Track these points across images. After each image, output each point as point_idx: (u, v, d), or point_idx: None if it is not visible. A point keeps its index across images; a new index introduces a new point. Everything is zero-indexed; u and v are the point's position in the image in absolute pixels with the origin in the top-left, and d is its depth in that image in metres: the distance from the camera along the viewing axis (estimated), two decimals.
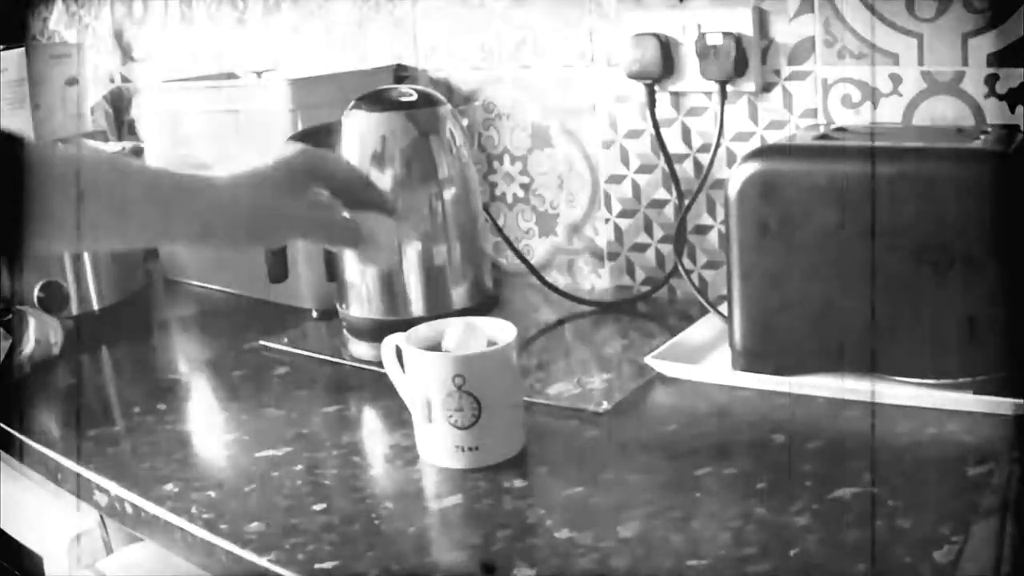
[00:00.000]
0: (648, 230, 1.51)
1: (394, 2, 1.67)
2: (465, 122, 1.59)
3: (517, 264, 1.53)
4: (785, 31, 1.33)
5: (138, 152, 1.74)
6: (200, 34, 1.94)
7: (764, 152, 1.16)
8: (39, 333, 1.37)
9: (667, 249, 1.49)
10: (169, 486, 1.02)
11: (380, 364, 1.09)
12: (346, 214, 1.03)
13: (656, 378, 1.20)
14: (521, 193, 1.62)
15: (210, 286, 1.70)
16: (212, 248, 1.03)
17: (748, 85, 1.36)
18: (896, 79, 1.27)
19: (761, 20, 1.34)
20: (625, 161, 1.51)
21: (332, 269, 1.35)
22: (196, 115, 1.62)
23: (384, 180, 1.26)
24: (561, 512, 0.93)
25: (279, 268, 1.31)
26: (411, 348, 1.03)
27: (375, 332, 1.25)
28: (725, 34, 1.34)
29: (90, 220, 0.93)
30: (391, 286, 1.29)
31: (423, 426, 1.03)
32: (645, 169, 1.49)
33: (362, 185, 1.06)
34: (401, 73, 1.68)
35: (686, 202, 1.43)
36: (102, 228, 0.94)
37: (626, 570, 0.83)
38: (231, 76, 1.78)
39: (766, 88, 1.37)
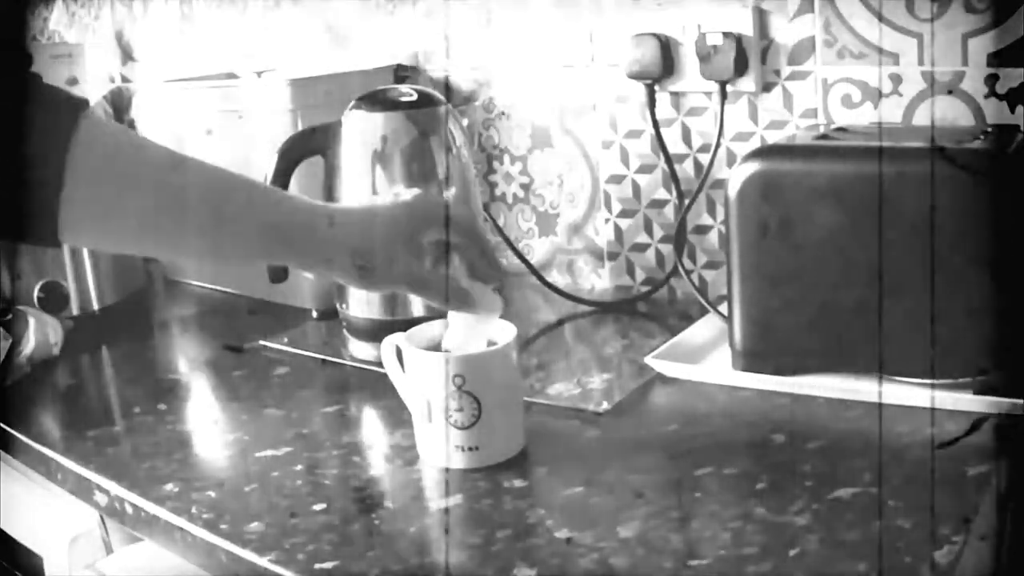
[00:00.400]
0: (648, 230, 1.51)
1: (394, 2, 1.67)
2: (465, 122, 1.59)
3: (517, 264, 1.53)
4: (785, 31, 1.33)
5: None
6: (200, 34, 1.94)
7: (764, 152, 1.16)
8: (39, 333, 1.37)
9: (667, 249, 1.49)
10: (169, 486, 1.02)
11: (380, 364, 1.09)
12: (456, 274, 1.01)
13: (656, 378, 1.20)
14: (521, 193, 1.62)
15: (210, 286, 1.70)
16: (321, 277, 1.00)
17: (748, 85, 1.36)
18: (896, 79, 1.27)
19: (761, 20, 1.35)
20: (625, 161, 1.51)
21: None
22: (196, 115, 1.62)
23: (384, 181, 1.26)
24: (561, 512, 0.93)
25: (279, 268, 1.31)
26: (411, 348, 1.03)
27: (375, 332, 1.24)
28: (725, 34, 1.34)
29: (188, 235, 0.91)
30: None
31: (423, 426, 1.03)
32: (645, 169, 1.49)
33: (477, 240, 1.03)
34: (401, 73, 1.68)
35: (686, 202, 1.43)
36: (199, 245, 0.94)
37: (626, 570, 0.83)
38: (231, 76, 1.78)
39: (766, 88, 1.37)
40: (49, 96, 0.85)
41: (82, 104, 0.86)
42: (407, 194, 1.00)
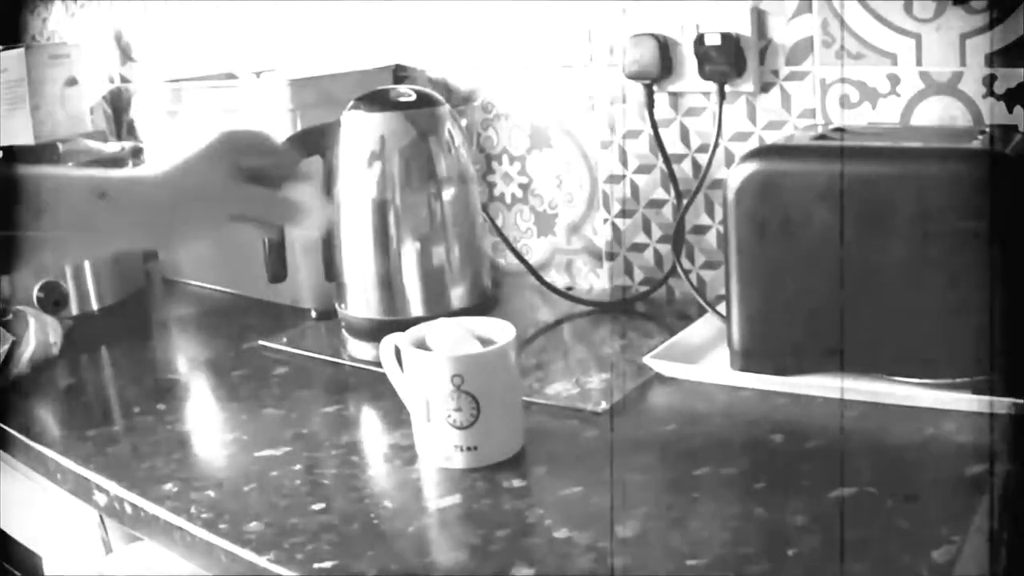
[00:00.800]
0: (647, 230, 1.51)
1: (393, 2, 1.67)
2: (464, 122, 1.59)
3: (516, 264, 1.53)
4: (783, 31, 1.33)
5: (137, 152, 1.74)
6: (199, 34, 1.94)
7: (762, 152, 1.16)
8: (38, 333, 1.37)
9: (665, 249, 1.49)
10: (168, 486, 1.03)
11: (379, 364, 1.09)
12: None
13: (655, 378, 1.20)
14: (520, 193, 1.62)
15: (209, 286, 1.70)
16: (162, 246, 1.04)
17: (746, 85, 1.36)
18: (894, 79, 1.27)
19: (759, 20, 1.35)
20: (624, 161, 1.51)
21: (331, 269, 1.35)
22: (196, 115, 1.62)
23: (383, 181, 1.26)
24: (560, 512, 0.93)
25: (278, 268, 1.31)
26: (410, 348, 1.03)
27: (374, 332, 1.25)
28: (723, 34, 1.34)
29: (56, 237, 0.94)
30: (390, 286, 1.29)
31: (422, 426, 1.04)
32: (644, 169, 1.50)
33: (277, 151, 1.07)
34: (400, 73, 1.68)
35: (684, 202, 1.43)
36: (71, 245, 0.97)
37: (625, 570, 0.83)
38: (230, 76, 1.78)
39: (764, 88, 1.37)
40: None
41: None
42: (211, 134, 1.03)
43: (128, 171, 1.00)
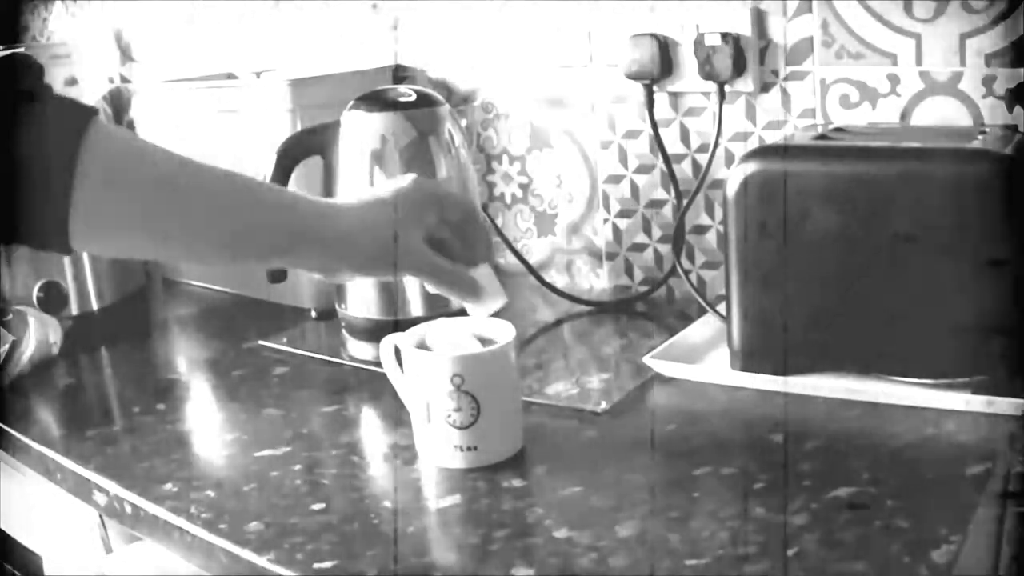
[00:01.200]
0: (646, 230, 1.51)
1: (393, 2, 1.67)
2: (464, 122, 1.60)
3: (516, 264, 1.53)
4: (783, 31, 1.33)
5: None
6: (199, 34, 1.94)
7: (762, 152, 1.16)
8: (38, 333, 1.37)
9: (665, 249, 1.49)
10: (168, 486, 1.03)
11: (379, 364, 1.09)
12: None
13: (655, 378, 1.20)
14: (520, 193, 1.62)
15: (209, 286, 1.70)
16: (327, 276, 1.01)
17: (746, 85, 1.36)
18: (894, 79, 1.27)
19: (759, 20, 1.35)
20: (623, 161, 1.51)
21: None
22: (196, 115, 1.62)
23: (383, 180, 1.26)
24: (560, 512, 0.93)
25: (278, 268, 1.31)
26: (410, 348, 1.03)
27: (374, 332, 1.25)
28: (723, 34, 1.34)
29: (202, 239, 0.91)
30: (390, 286, 1.29)
31: (422, 426, 1.04)
32: (643, 169, 1.50)
33: (474, 222, 1.04)
34: (400, 73, 1.68)
35: (684, 202, 1.43)
36: (215, 249, 0.93)
37: (625, 569, 0.83)
38: (231, 76, 1.78)
39: (764, 88, 1.37)
40: (58, 104, 0.85)
41: (91, 111, 0.86)
42: (403, 180, 1.00)
43: (314, 198, 0.97)
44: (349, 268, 0.98)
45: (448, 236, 1.02)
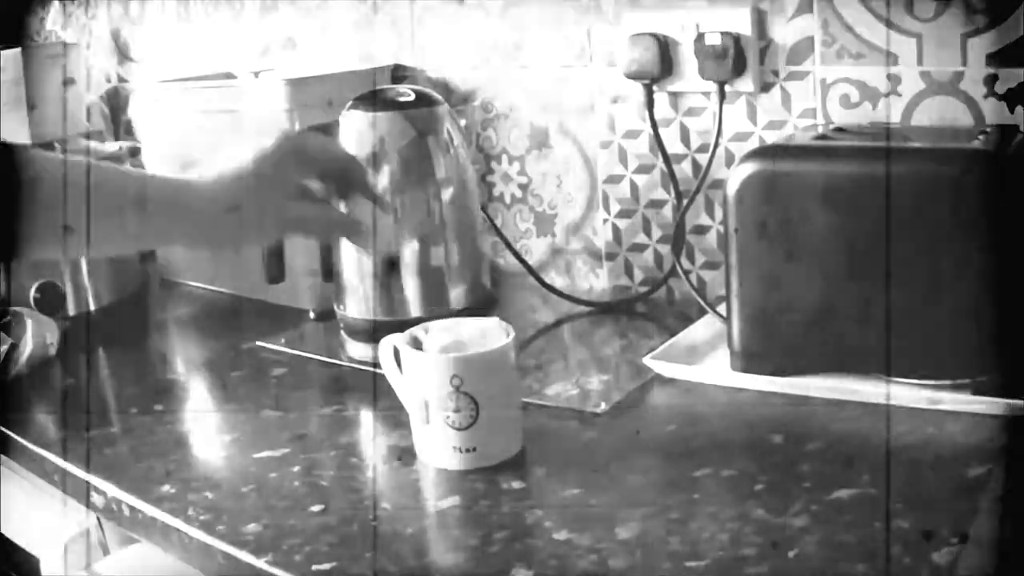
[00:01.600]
0: (646, 230, 1.51)
1: (392, 2, 1.67)
2: (463, 122, 1.59)
3: (515, 264, 1.53)
4: (783, 31, 1.33)
5: (135, 152, 1.74)
6: (197, 34, 1.94)
7: (763, 152, 1.15)
8: (36, 334, 1.37)
9: (665, 249, 1.49)
10: (166, 487, 1.02)
11: (378, 365, 1.08)
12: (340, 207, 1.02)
13: (654, 379, 1.20)
14: (519, 193, 1.62)
15: (207, 287, 1.70)
16: (208, 250, 1.02)
17: (746, 85, 1.36)
18: (895, 79, 1.27)
19: (760, 20, 1.34)
20: (623, 161, 1.51)
21: (329, 270, 1.34)
22: (193, 115, 1.62)
23: (382, 180, 1.26)
24: (559, 513, 0.92)
25: (276, 269, 1.31)
26: (408, 349, 1.03)
27: (372, 333, 1.24)
28: (723, 34, 1.34)
29: (80, 227, 0.93)
30: (389, 287, 1.28)
31: (421, 427, 1.03)
32: (643, 169, 1.49)
33: (348, 167, 1.05)
34: (399, 73, 1.68)
35: (684, 202, 1.43)
36: (93, 234, 0.94)
37: (624, 571, 0.83)
38: (228, 76, 1.77)
39: (764, 88, 1.36)
40: None
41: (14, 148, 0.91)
42: (267, 141, 1.00)
43: (176, 176, 0.98)
44: (213, 241, 1.00)
45: (325, 185, 1.03)
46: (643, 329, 1.42)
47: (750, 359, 1.16)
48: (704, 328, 1.30)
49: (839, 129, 1.21)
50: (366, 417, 1.19)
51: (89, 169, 0.96)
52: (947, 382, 1.06)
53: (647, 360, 1.21)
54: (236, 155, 0.99)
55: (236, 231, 0.98)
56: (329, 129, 1.30)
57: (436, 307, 1.27)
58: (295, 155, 1.00)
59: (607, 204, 1.54)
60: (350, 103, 1.30)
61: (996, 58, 1.20)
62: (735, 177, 1.12)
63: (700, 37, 1.36)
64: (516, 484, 0.98)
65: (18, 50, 1.55)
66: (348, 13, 1.72)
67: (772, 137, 1.35)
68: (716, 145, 1.38)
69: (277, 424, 1.16)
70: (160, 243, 1.03)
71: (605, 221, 1.54)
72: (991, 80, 1.21)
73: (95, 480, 1.06)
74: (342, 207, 1.03)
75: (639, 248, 1.52)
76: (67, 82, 1.62)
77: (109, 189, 0.95)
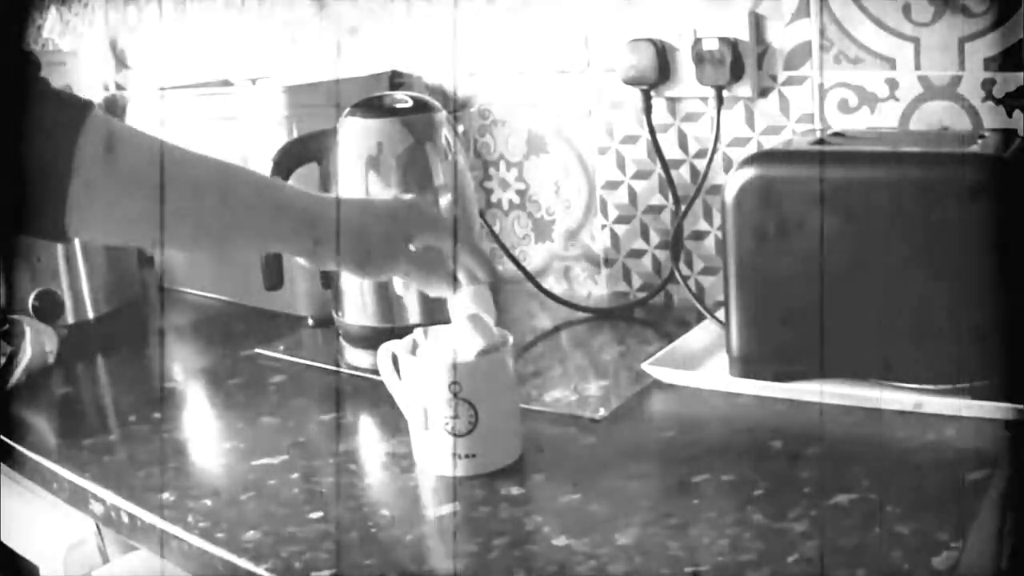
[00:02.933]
0: (645, 236, 1.51)
1: (389, 8, 1.67)
2: (460, 128, 1.59)
3: (513, 271, 1.53)
4: (781, 36, 1.33)
5: None
6: (195, 41, 1.94)
7: (761, 157, 1.15)
8: (34, 342, 1.37)
9: (664, 255, 1.49)
10: (165, 494, 1.02)
11: (376, 372, 1.08)
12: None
13: (653, 385, 1.20)
14: (517, 199, 1.62)
15: (205, 294, 1.70)
16: (320, 265, 1.04)
17: (744, 90, 1.36)
18: (893, 84, 1.27)
19: (757, 25, 1.34)
20: (621, 167, 1.51)
21: (327, 277, 1.34)
22: (191, 123, 1.62)
23: (380, 187, 1.26)
24: (558, 519, 0.92)
25: (274, 276, 1.31)
26: (407, 355, 1.03)
27: (371, 340, 1.24)
28: (721, 39, 1.34)
29: (194, 222, 0.94)
30: (387, 294, 1.28)
31: (420, 433, 1.03)
32: (641, 175, 1.49)
33: (441, 233, 1.06)
34: (396, 79, 1.68)
35: (683, 208, 1.43)
36: (207, 232, 0.96)
37: None
38: (226, 83, 1.77)
39: (762, 93, 1.36)
40: (57, 96, 0.88)
41: (88, 104, 0.89)
42: (404, 197, 1.03)
43: (314, 192, 1.01)
44: (332, 256, 1.00)
45: (432, 256, 1.04)
46: (642, 335, 1.42)
47: (749, 364, 1.15)
48: (703, 333, 1.30)
49: (837, 134, 1.21)
50: (365, 424, 1.19)
51: (200, 161, 0.96)
52: (946, 387, 1.06)
53: (646, 366, 1.21)
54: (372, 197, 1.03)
55: (367, 259, 1.01)
56: (326, 136, 1.30)
57: (434, 313, 1.27)
58: (424, 218, 1.05)
59: (605, 210, 1.54)
60: (348, 110, 1.30)
61: (994, 62, 1.20)
62: (733, 182, 1.12)
63: (698, 42, 1.36)
64: (515, 490, 0.98)
65: None
66: (345, 19, 1.72)
67: (770, 142, 1.36)
68: (714, 150, 1.39)
69: (276, 431, 1.16)
70: (292, 252, 1.04)
71: (603, 227, 1.54)
72: (989, 84, 1.21)
73: (94, 487, 1.06)
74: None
75: (637, 254, 1.52)
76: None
77: (252, 190, 0.98)
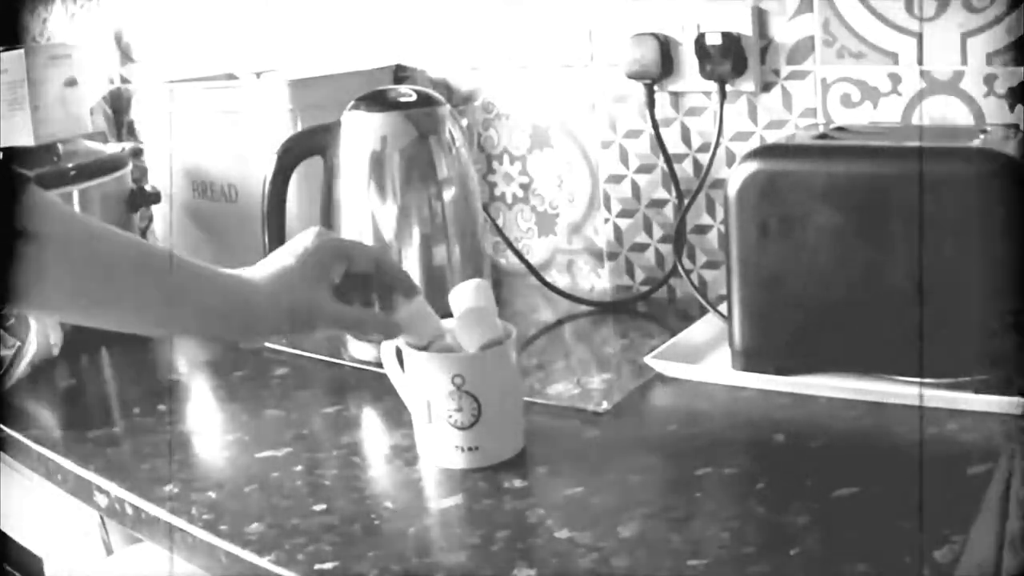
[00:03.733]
0: (648, 230, 1.51)
1: (394, 2, 1.67)
2: (464, 122, 1.59)
3: (517, 264, 1.53)
4: (784, 31, 1.33)
5: (138, 153, 1.74)
6: (199, 35, 1.94)
7: (763, 152, 1.15)
8: (39, 335, 1.37)
9: (667, 249, 1.49)
10: (169, 487, 1.02)
11: (380, 364, 1.09)
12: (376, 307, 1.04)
13: (656, 378, 1.20)
14: (520, 193, 1.62)
15: None
16: (242, 342, 1.03)
17: (747, 85, 1.36)
18: (895, 78, 1.27)
19: (760, 20, 1.35)
20: (624, 161, 1.51)
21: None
22: (196, 116, 1.62)
23: (384, 181, 1.26)
24: (561, 512, 0.92)
25: None
26: (410, 348, 1.03)
27: None
28: (724, 34, 1.34)
29: (104, 301, 0.92)
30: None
31: (423, 426, 1.03)
32: (644, 169, 1.49)
33: (380, 257, 1.06)
34: (400, 73, 1.68)
35: (685, 202, 1.43)
36: (118, 312, 0.94)
37: (626, 570, 0.83)
38: (231, 77, 1.78)
39: (765, 88, 1.37)
40: None
41: (25, 178, 0.88)
42: (305, 239, 1.01)
43: (227, 271, 0.99)
44: (263, 336, 1.03)
45: (358, 285, 1.03)
46: (644, 328, 1.43)
47: (751, 358, 1.16)
48: (705, 327, 1.30)
49: (840, 128, 1.21)
50: (368, 416, 1.19)
51: (116, 239, 0.95)
52: (948, 380, 1.06)
53: (648, 359, 1.21)
54: (276, 255, 1.00)
55: (277, 328, 0.99)
56: (330, 129, 1.30)
57: (437, 307, 1.27)
58: (333, 252, 1.01)
59: (608, 204, 1.54)
60: (352, 103, 1.30)
61: (996, 57, 1.20)
62: (736, 176, 1.13)
63: (701, 37, 1.36)
64: (518, 483, 0.99)
65: (21, 51, 1.55)
66: (350, 13, 1.72)
67: (773, 136, 1.36)
68: (717, 145, 1.39)
69: (279, 424, 1.16)
70: (208, 337, 1.03)
71: (606, 221, 1.55)
72: (991, 79, 1.21)
73: (98, 480, 1.06)
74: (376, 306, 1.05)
75: (640, 247, 1.52)
76: (70, 83, 1.62)
77: (158, 272, 0.94)
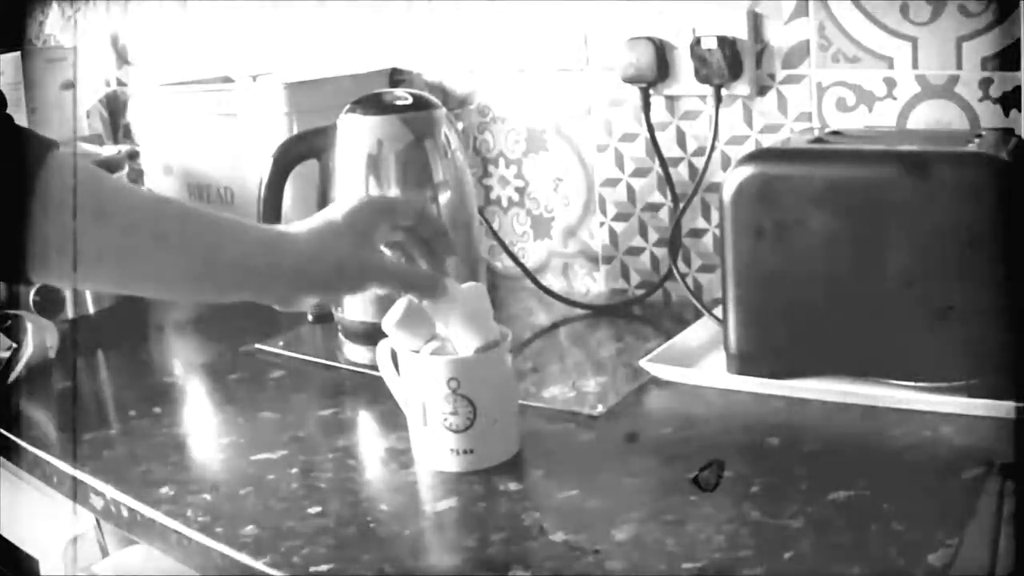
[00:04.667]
0: (643, 233, 1.51)
1: (389, 6, 1.67)
2: (460, 126, 1.59)
3: (512, 267, 1.53)
4: (779, 35, 1.34)
5: (134, 156, 1.74)
6: (196, 38, 1.94)
7: (759, 155, 1.16)
8: (35, 337, 1.37)
9: (662, 252, 1.49)
10: (164, 489, 1.02)
11: (375, 367, 1.09)
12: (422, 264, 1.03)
13: (651, 381, 1.20)
14: (516, 197, 1.62)
15: None
16: (282, 305, 1.00)
17: (743, 88, 1.36)
18: (890, 83, 1.28)
19: (756, 23, 1.35)
20: (620, 164, 1.51)
21: None
22: (192, 119, 1.62)
23: (379, 184, 1.26)
24: (556, 515, 0.93)
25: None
26: (406, 351, 1.03)
27: (370, 335, 1.24)
28: (720, 38, 1.34)
29: (141, 260, 0.90)
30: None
31: (418, 429, 1.03)
32: (640, 173, 1.50)
33: (429, 220, 1.04)
34: (396, 77, 1.68)
35: (681, 205, 1.43)
36: (154, 271, 0.91)
37: (621, 573, 0.83)
38: (227, 80, 1.78)
39: (761, 92, 1.37)
40: (18, 135, 0.87)
41: (51, 143, 0.86)
42: (351, 200, 1.00)
43: (269, 227, 0.97)
44: (307, 296, 0.98)
45: (405, 239, 1.02)
46: (640, 332, 1.43)
47: (746, 361, 1.16)
48: (700, 331, 1.30)
49: (835, 132, 1.21)
50: (364, 419, 1.19)
51: (154, 201, 0.94)
52: (942, 384, 1.06)
53: (644, 363, 1.21)
54: (320, 213, 0.99)
55: (324, 284, 0.98)
56: (326, 133, 1.30)
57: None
58: (378, 207, 1.00)
59: (604, 207, 1.54)
60: (347, 107, 1.30)
61: (991, 62, 1.20)
62: (731, 180, 1.13)
63: (696, 41, 1.36)
64: (513, 486, 0.99)
65: (17, 54, 1.55)
66: (346, 16, 1.72)
67: (768, 140, 1.36)
68: (712, 148, 1.39)
69: (275, 426, 1.16)
70: (253, 296, 0.99)
71: (602, 224, 1.55)
72: (986, 84, 1.21)
73: (94, 482, 1.06)
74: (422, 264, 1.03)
75: (636, 251, 1.53)
76: (66, 86, 1.62)
77: (205, 230, 0.93)
